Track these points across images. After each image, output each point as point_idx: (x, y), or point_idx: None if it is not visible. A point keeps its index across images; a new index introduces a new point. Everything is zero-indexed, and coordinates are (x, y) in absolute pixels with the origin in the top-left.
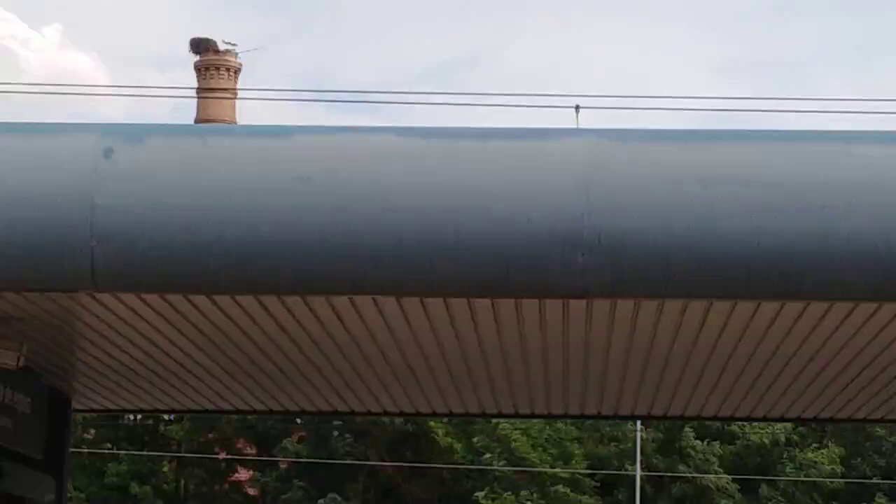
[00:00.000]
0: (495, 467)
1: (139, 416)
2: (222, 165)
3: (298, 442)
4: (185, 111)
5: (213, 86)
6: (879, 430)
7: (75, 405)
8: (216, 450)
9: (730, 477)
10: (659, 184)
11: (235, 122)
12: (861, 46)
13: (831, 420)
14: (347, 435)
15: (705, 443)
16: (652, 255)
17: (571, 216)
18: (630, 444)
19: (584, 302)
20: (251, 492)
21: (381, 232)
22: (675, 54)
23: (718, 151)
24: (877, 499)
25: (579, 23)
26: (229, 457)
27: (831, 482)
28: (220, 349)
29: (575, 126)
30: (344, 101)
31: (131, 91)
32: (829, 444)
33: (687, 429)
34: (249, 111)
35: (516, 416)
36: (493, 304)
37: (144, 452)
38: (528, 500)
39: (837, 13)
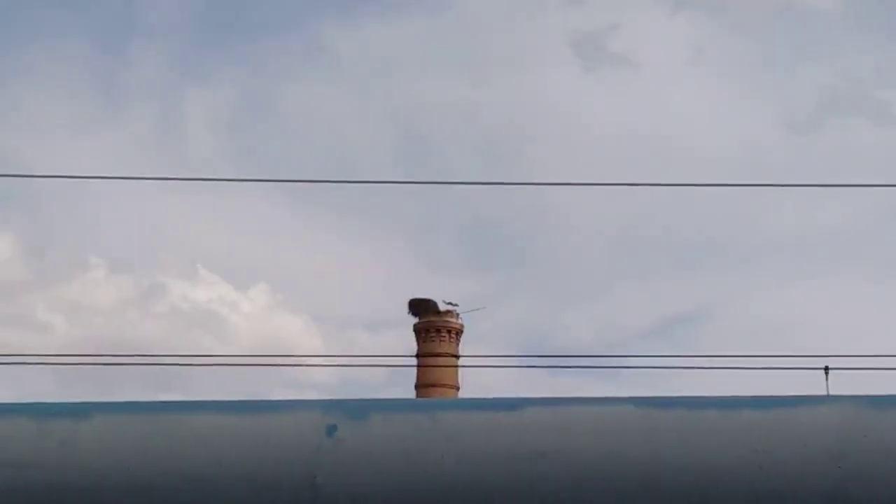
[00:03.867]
0: None
1: None
2: (451, 442)
3: None
4: (404, 375)
5: (434, 350)
6: None
7: None
8: None
9: None
10: None
11: (458, 387)
12: None
13: None
14: None
15: None
16: None
17: (824, 491)
18: None
19: None
20: None
21: None
22: None
23: None
24: None
25: (817, 275)
26: None
27: None
28: None
29: (824, 390)
30: (569, 367)
31: (348, 360)
32: None
33: None
34: (471, 375)
35: None
36: None
37: None
38: None
39: None
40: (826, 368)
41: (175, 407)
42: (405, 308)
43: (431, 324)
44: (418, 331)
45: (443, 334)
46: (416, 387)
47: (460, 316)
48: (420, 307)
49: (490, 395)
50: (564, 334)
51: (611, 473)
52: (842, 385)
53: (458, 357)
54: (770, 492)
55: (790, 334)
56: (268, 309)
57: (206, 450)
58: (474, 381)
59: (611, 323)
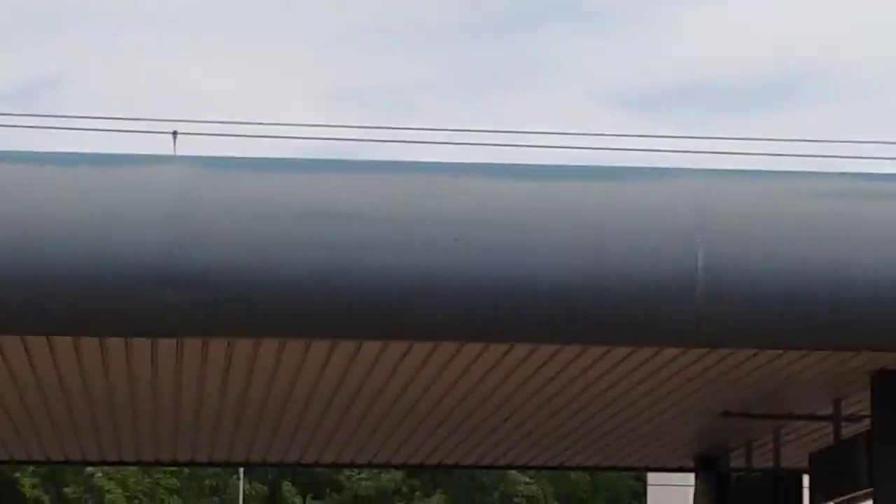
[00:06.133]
0: None
1: None
2: None
3: None
4: None
5: None
6: (488, 480)
7: None
8: None
9: None
10: (254, 216)
11: None
12: (472, 77)
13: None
14: None
15: (308, 497)
16: (246, 292)
17: (161, 249)
18: (233, 496)
19: (174, 342)
20: None
21: None
22: (284, 80)
23: (319, 182)
24: None
25: (175, 45)
26: None
27: None
28: None
29: (172, 153)
30: None
31: None
32: (438, 492)
33: (287, 483)
34: None
35: (120, 463)
36: (75, 345)
37: None
38: None
39: (451, 42)
40: (174, 133)
41: None
42: None
43: None
44: None
45: None
46: None
47: None
48: None
49: None
50: None
51: None
52: (191, 150)
53: None
54: (104, 248)
55: (149, 102)
56: None
57: None
58: None
59: None
